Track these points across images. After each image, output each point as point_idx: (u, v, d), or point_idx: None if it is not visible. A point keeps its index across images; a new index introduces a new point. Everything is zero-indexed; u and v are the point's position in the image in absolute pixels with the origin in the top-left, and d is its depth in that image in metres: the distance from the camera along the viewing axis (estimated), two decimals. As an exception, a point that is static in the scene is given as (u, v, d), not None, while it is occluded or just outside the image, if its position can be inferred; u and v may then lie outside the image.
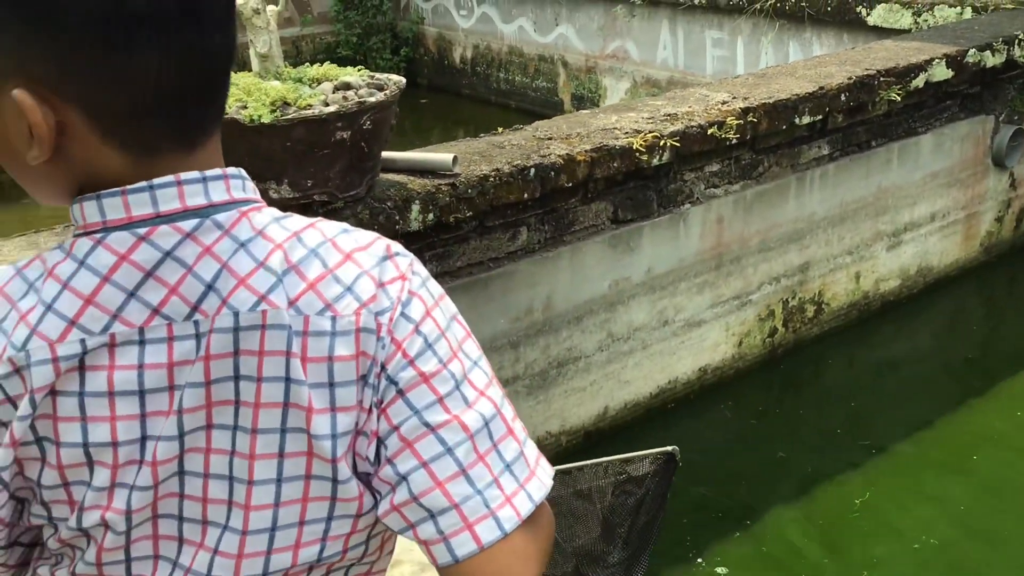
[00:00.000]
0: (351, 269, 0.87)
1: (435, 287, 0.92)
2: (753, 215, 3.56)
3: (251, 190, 0.89)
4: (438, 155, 2.70)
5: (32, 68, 0.80)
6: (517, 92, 7.80)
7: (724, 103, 3.32)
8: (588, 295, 3.17)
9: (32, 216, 5.90)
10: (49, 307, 0.83)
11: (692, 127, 3.13)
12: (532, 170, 2.79)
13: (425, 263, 2.72)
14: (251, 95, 2.32)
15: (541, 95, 7.59)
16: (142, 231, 0.83)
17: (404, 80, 2.55)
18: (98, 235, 0.84)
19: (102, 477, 0.86)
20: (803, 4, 5.35)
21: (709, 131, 3.16)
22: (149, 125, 0.84)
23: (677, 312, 3.46)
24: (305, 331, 0.85)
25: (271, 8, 2.51)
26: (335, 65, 2.62)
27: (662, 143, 3.05)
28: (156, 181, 0.84)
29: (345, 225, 0.91)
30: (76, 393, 0.84)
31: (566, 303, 3.12)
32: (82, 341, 0.83)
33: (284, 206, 2.36)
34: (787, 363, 3.91)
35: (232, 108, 2.28)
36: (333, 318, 0.85)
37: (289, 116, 2.27)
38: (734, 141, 3.25)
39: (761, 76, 3.71)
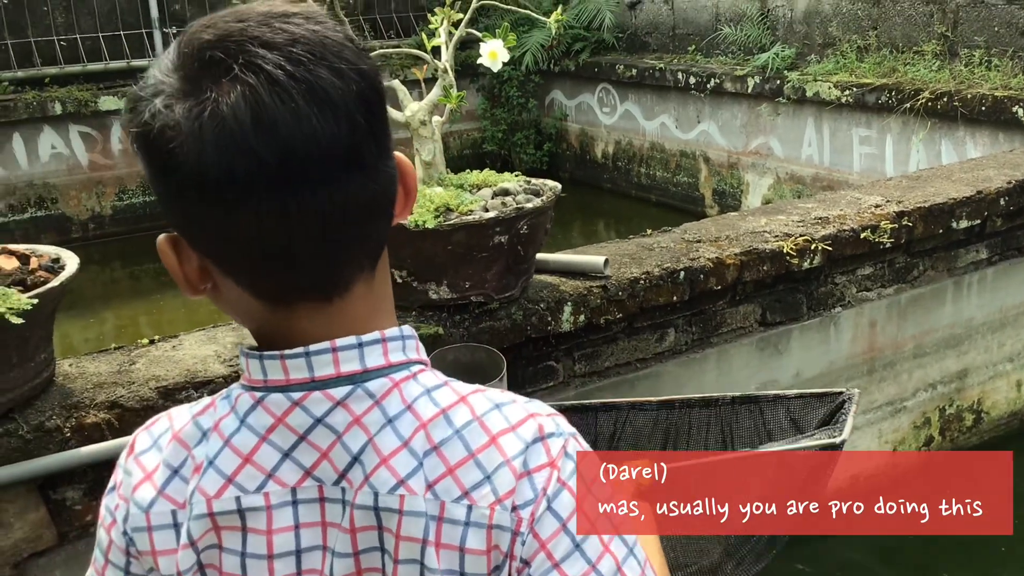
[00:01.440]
0: (494, 456, 0.85)
1: (590, 467, 0.88)
2: (907, 319, 3.48)
3: (413, 349, 0.90)
4: (590, 258, 2.76)
5: (173, 220, 0.85)
6: (658, 186, 7.88)
7: (877, 206, 3.28)
8: (735, 398, 3.14)
9: (194, 301, 6.27)
10: (211, 463, 0.87)
11: (844, 231, 3.11)
12: (682, 273, 2.82)
13: (574, 363, 2.79)
14: (416, 201, 2.44)
15: (682, 190, 7.64)
16: (297, 396, 0.85)
17: (559, 186, 2.64)
18: (259, 394, 0.86)
19: None
20: (956, 104, 5.25)
21: (862, 235, 3.13)
22: (270, 277, 0.84)
23: (827, 417, 3.38)
24: (440, 517, 0.84)
25: (436, 119, 2.66)
26: (493, 171, 2.73)
27: (813, 247, 3.04)
28: (312, 348, 0.85)
29: (500, 397, 0.90)
30: (239, 552, 0.88)
31: (713, 405, 3.10)
32: (237, 499, 0.86)
33: (443, 306, 2.47)
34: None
35: (398, 213, 2.41)
36: (469, 507, 0.84)
37: (451, 221, 2.38)
38: (888, 245, 3.20)
39: (915, 179, 3.66)
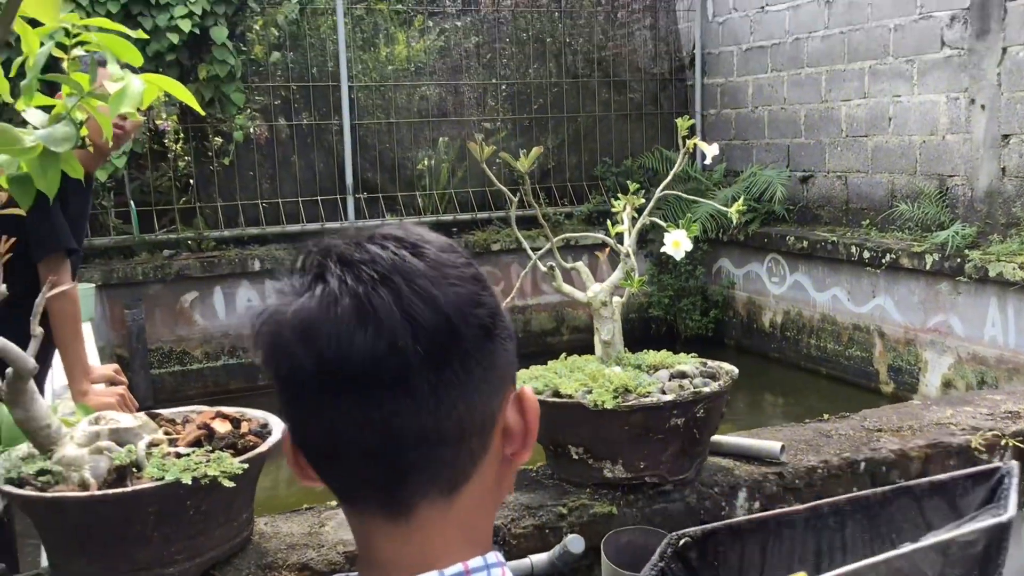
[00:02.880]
0: None
1: None
2: (1110, 524, 3.23)
3: None
4: (765, 443, 2.74)
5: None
6: (828, 359, 7.70)
7: (1073, 402, 3.13)
8: (918, 598, 2.98)
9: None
10: None
11: (1037, 427, 2.97)
12: (862, 464, 2.75)
13: (746, 549, 2.72)
14: (596, 381, 2.52)
15: (854, 364, 7.44)
16: None
17: (736, 371, 2.66)
18: None
19: None
20: None
21: (1057, 432, 2.98)
22: (333, 479, 0.85)
23: (1021, 626, 3.14)
24: None
25: (616, 299, 2.75)
26: (670, 352, 2.79)
27: (1003, 442, 2.91)
28: None
29: None
30: None
31: (894, 604, 2.95)
32: None
33: (617, 485, 2.50)
34: None
35: (578, 392, 2.48)
36: None
37: (630, 403, 2.43)
38: (1086, 443, 3.03)
39: (1115, 373, 3.47)
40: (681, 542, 2.11)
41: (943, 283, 6.47)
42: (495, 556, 0.87)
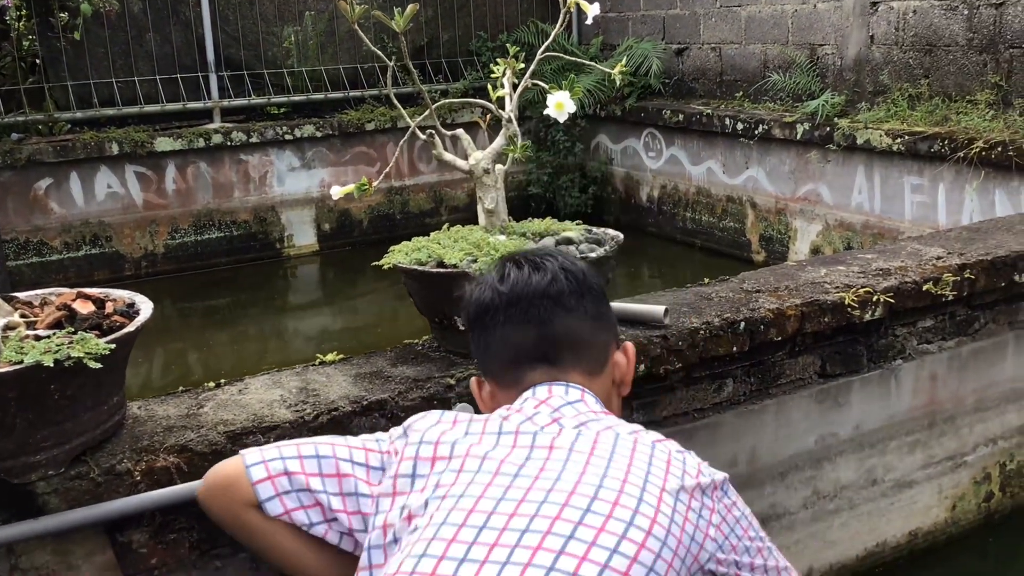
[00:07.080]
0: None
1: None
2: (968, 373, 3.42)
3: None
4: (649, 307, 2.75)
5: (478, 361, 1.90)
6: (703, 231, 7.86)
7: (939, 258, 3.25)
8: (793, 450, 3.10)
9: (242, 338, 6.31)
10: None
11: (906, 283, 3.07)
12: (742, 324, 2.80)
13: (632, 412, 2.77)
14: (481, 249, 2.45)
15: (728, 235, 7.61)
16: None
17: (621, 236, 2.64)
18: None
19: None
20: (1011, 153, 5.20)
21: (924, 287, 3.09)
22: (507, 380, 1.75)
23: (887, 472, 3.33)
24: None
25: (499, 167, 2.68)
26: (554, 220, 2.75)
27: (875, 298, 3.01)
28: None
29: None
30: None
31: (771, 457, 3.06)
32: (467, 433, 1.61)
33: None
34: (1005, 531, 3.66)
35: (463, 262, 2.42)
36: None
37: (516, 270, 2.39)
38: (950, 297, 3.16)
39: (975, 230, 3.62)
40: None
41: (813, 152, 6.62)
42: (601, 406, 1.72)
